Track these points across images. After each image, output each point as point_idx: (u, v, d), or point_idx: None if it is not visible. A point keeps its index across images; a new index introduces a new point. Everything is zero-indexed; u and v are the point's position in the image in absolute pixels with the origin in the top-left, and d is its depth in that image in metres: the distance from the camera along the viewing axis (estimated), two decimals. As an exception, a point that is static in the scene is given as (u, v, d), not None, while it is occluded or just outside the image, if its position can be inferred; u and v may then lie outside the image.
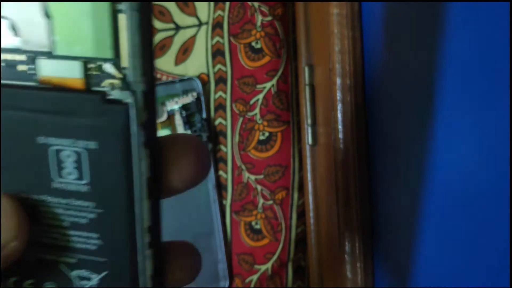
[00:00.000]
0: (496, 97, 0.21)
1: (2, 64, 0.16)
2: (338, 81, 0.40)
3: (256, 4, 0.48)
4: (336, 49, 0.40)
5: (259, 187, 0.48)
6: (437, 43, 0.27)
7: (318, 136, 0.45)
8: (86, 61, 0.16)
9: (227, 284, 0.48)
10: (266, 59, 0.48)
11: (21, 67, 0.16)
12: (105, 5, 0.15)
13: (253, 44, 0.48)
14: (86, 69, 0.16)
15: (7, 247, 0.17)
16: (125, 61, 0.16)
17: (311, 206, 0.47)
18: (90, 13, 0.15)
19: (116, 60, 0.16)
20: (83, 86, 0.16)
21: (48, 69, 0.16)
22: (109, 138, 0.16)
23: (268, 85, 0.48)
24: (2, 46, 0.16)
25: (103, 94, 0.16)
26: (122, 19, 0.15)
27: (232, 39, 0.48)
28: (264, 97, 0.48)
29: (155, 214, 0.17)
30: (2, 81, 0.16)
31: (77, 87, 0.16)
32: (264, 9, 0.48)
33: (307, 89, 0.46)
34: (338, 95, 0.40)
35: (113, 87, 0.16)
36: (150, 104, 0.16)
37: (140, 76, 0.16)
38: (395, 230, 0.36)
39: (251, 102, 0.48)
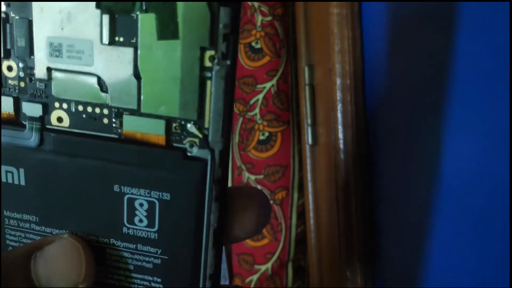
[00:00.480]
0: (496, 97, 0.21)
1: (89, 116, 0.18)
2: (338, 81, 0.40)
3: (256, 4, 0.48)
4: (336, 49, 0.40)
5: (259, 187, 0.48)
6: (437, 43, 0.27)
7: (318, 136, 0.45)
8: (169, 119, 0.17)
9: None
10: (266, 59, 0.48)
11: (105, 120, 0.18)
12: (195, 73, 0.16)
13: (253, 44, 0.48)
14: (169, 127, 0.17)
15: None
16: (207, 123, 0.17)
17: (311, 206, 0.47)
18: (179, 78, 0.17)
19: (199, 121, 0.17)
20: (164, 142, 0.17)
21: (133, 125, 0.17)
22: (184, 191, 0.17)
23: (268, 85, 0.48)
24: (91, 101, 0.17)
25: (184, 150, 0.17)
26: (209, 85, 0.16)
27: (232, 39, 0.48)
28: (264, 97, 0.48)
29: (218, 262, 0.18)
30: (88, 132, 0.18)
31: (159, 143, 0.17)
32: (264, 9, 0.48)
33: (307, 89, 0.46)
34: (338, 95, 0.40)
35: (192, 144, 0.17)
36: (224, 161, 0.17)
37: (220, 136, 0.17)
38: (395, 230, 0.36)
39: (251, 102, 0.48)
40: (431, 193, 0.29)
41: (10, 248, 0.19)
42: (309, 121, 0.46)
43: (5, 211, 0.19)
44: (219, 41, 0.16)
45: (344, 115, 0.40)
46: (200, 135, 0.17)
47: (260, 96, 0.48)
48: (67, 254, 0.18)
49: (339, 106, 0.40)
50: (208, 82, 0.17)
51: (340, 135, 0.40)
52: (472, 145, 0.24)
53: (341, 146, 0.40)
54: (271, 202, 0.48)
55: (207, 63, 0.16)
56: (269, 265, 0.48)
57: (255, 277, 0.48)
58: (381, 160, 0.38)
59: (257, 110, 0.48)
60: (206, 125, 0.17)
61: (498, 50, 0.21)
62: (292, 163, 0.49)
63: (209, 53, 0.16)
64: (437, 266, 0.29)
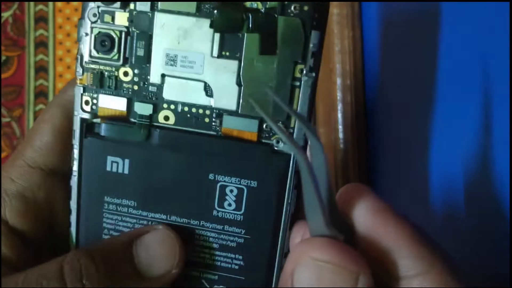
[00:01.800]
0: (497, 97, 0.21)
1: (192, 116, 0.21)
2: (338, 81, 0.40)
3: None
4: (336, 49, 0.40)
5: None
6: (438, 43, 0.27)
7: (318, 136, 0.45)
8: (262, 119, 0.21)
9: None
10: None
11: (206, 120, 0.21)
12: (287, 82, 0.20)
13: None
14: (260, 126, 0.21)
15: (168, 275, 0.20)
16: (293, 123, 0.21)
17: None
18: (274, 86, 0.20)
19: (286, 122, 0.21)
20: (255, 138, 0.21)
21: (231, 124, 0.21)
22: (269, 179, 0.21)
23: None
24: (196, 103, 0.21)
25: (271, 146, 0.21)
26: (297, 92, 0.20)
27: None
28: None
29: (288, 242, 0.21)
30: (190, 129, 0.21)
31: (251, 139, 0.21)
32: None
33: (307, 89, 0.46)
34: (338, 95, 0.40)
35: (278, 141, 0.21)
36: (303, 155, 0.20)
37: (302, 135, 0.20)
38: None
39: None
40: (431, 192, 0.29)
41: (106, 230, 0.22)
42: (309, 121, 0.46)
43: (105, 197, 0.22)
44: (308, 57, 0.20)
45: (344, 115, 0.40)
46: (286, 132, 0.21)
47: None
48: (164, 242, 0.21)
49: (339, 106, 0.40)
50: (297, 90, 0.20)
51: (340, 135, 0.40)
52: (473, 144, 0.24)
53: (341, 146, 0.40)
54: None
55: (297, 74, 0.20)
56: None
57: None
58: (381, 160, 0.38)
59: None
60: (292, 125, 0.21)
61: (498, 50, 0.21)
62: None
63: (299, 66, 0.20)
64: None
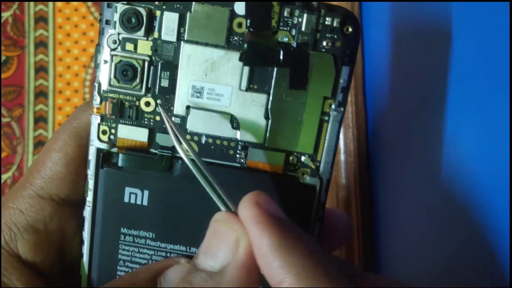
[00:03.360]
0: (496, 97, 0.21)
1: (217, 148, 0.21)
2: (338, 81, 0.40)
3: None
4: (336, 49, 0.40)
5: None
6: (438, 43, 0.27)
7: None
8: (288, 153, 0.21)
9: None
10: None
11: (231, 152, 0.21)
12: (316, 116, 0.20)
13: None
14: (287, 159, 0.21)
15: None
16: (319, 156, 0.21)
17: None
18: (303, 120, 0.20)
19: (313, 155, 0.21)
20: (281, 171, 0.21)
21: (257, 156, 0.21)
22: (294, 212, 0.19)
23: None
24: (221, 135, 0.21)
25: (297, 179, 0.21)
26: (325, 127, 0.20)
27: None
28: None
29: None
30: (213, 161, 0.21)
31: (277, 171, 0.21)
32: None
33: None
34: (338, 95, 0.40)
35: (303, 173, 0.21)
36: (327, 188, 0.21)
37: (329, 168, 0.21)
38: (395, 230, 0.36)
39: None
40: (432, 192, 0.29)
41: (121, 261, 0.21)
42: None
43: (122, 228, 0.21)
44: (338, 92, 0.20)
45: (344, 115, 0.40)
46: (313, 166, 0.21)
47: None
48: None
49: (339, 106, 0.40)
50: (325, 124, 0.20)
51: (340, 135, 0.40)
52: (472, 145, 0.24)
53: (341, 146, 0.40)
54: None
55: (326, 109, 0.20)
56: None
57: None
58: (381, 160, 0.38)
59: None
60: (319, 158, 0.21)
61: (498, 50, 0.21)
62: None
63: (328, 101, 0.20)
64: (437, 266, 0.29)
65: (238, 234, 0.17)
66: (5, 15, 0.71)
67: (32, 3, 0.71)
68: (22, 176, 0.22)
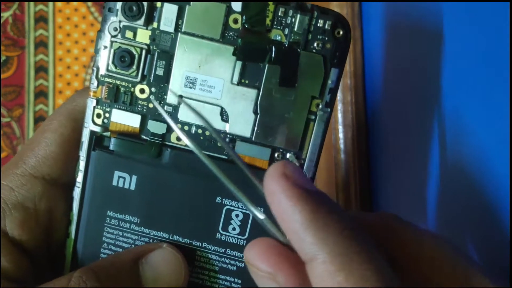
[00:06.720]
0: (496, 96, 0.21)
1: (205, 139, 0.21)
2: (338, 81, 0.40)
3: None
4: (336, 49, 0.40)
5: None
6: (437, 42, 0.27)
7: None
8: (274, 148, 0.21)
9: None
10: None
11: (219, 144, 0.21)
12: (303, 115, 0.21)
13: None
14: (272, 155, 0.21)
15: None
16: (305, 154, 0.21)
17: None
18: (290, 118, 0.21)
19: (298, 153, 0.21)
20: (266, 166, 0.21)
21: (244, 150, 0.21)
22: None
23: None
24: (212, 127, 0.21)
25: None
26: (311, 126, 0.21)
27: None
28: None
29: None
30: (204, 152, 0.21)
31: (262, 167, 0.21)
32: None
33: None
34: (338, 95, 0.40)
35: None
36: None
37: (313, 166, 0.21)
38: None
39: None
40: (431, 192, 0.29)
41: (105, 244, 0.22)
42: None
43: (108, 211, 0.22)
44: (326, 93, 0.21)
45: (344, 115, 0.40)
46: (298, 164, 0.21)
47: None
48: (170, 261, 0.21)
49: (339, 106, 0.40)
50: (311, 123, 0.21)
51: (340, 135, 0.40)
52: (472, 144, 0.24)
53: (341, 146, 0.40)
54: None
55: (313, 109, 0.21)
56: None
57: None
58: (381, 160, 0.38)
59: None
60: (304, 156, 0.21)
61: (498, 50, 0.21)
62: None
63: (316, 101, 0.21)
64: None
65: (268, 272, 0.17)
66: (5, 15, 0.71)
67: (32, 3, 0.71)
68: (15, 155, 0.22)
